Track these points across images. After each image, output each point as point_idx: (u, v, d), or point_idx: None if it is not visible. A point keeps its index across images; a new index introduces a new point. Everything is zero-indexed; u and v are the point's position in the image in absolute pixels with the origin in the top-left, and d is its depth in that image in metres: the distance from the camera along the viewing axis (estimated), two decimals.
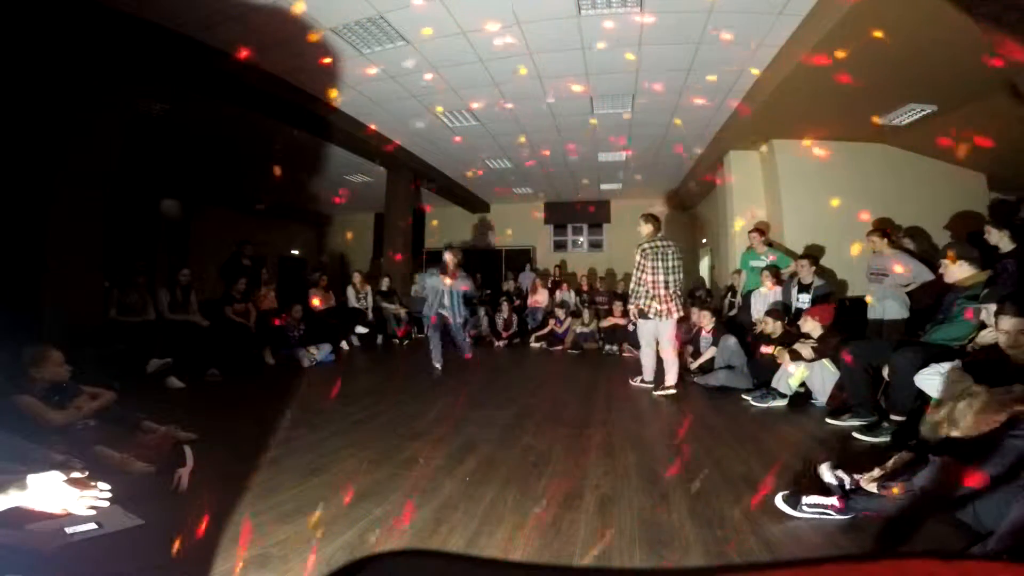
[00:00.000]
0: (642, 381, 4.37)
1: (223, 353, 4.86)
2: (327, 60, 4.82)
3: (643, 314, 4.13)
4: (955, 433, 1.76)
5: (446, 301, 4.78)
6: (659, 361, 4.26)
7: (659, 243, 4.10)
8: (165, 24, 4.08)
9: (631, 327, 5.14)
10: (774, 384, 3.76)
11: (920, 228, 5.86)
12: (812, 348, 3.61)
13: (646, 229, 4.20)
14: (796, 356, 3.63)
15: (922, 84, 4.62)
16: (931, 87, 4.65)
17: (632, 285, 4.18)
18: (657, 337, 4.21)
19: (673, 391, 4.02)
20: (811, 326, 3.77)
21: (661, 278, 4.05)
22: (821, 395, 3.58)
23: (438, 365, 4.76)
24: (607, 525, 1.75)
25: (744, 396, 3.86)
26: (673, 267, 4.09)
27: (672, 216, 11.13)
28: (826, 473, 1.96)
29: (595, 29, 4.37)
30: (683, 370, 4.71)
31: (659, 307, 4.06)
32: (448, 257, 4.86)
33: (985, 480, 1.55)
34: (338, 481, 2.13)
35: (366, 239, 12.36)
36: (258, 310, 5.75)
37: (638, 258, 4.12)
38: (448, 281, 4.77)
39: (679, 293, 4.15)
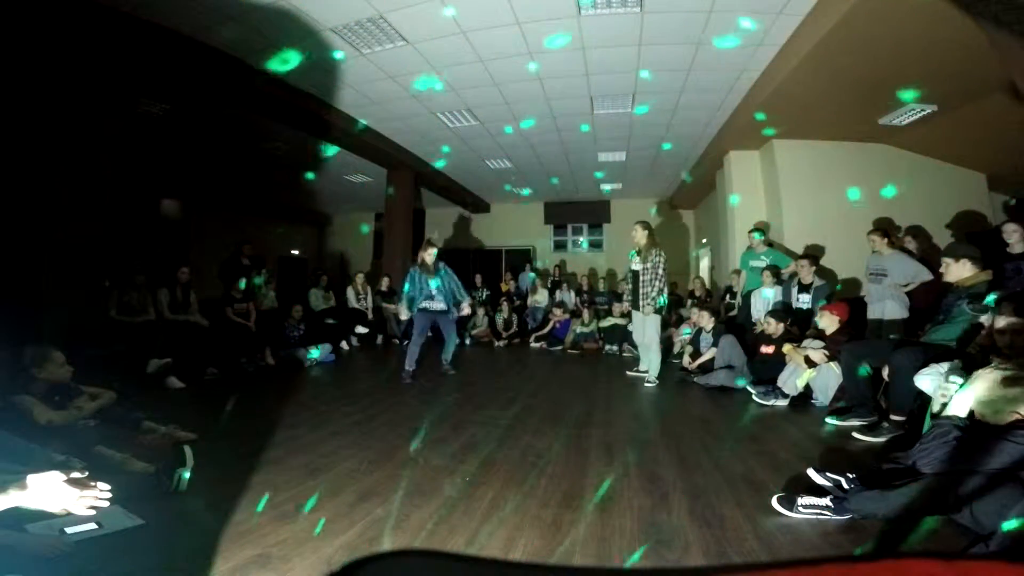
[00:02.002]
0: (655, 378, 4.44)
1: (223, 353, 4.86)
2: (326, 60, 4.82)
3: (661, 311, 4.45)
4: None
5: (433, 291, 4.56)
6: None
7: None
8: (165, 24, 4.08)
9: (631, 327, 5.18)
10: (779, 384, 3.75)
11: (920, 228, 5.86)
12: (824, 353, 3.59)
13: (646, 236, 4.44)
14: (811, 363, 3.61)
15: (922, 84, 4.61)
16: (931, 87, 4.65)
17: (659, 285, 4.37)
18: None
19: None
20: (827, 321, 3.74)
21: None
22: (824, 395, 3.58)
23: (410, 369, 4.48)
24: (607, 525, 1.75)
25: (749, 388, 3.86)
26: None
27: (672, 216, 11.14)
28: (815, 477, 1.97)
29: (595, 29, 4.38)
30: (682, 369, 4.82)
31: None
32: (426, 255, 4.63)
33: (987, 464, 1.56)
34: (338, 481, 2.13)
35: (366, 239, 12.38)
36: (258, 310, 5.75)
37: (663, 260, 4.39)
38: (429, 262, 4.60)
39: None
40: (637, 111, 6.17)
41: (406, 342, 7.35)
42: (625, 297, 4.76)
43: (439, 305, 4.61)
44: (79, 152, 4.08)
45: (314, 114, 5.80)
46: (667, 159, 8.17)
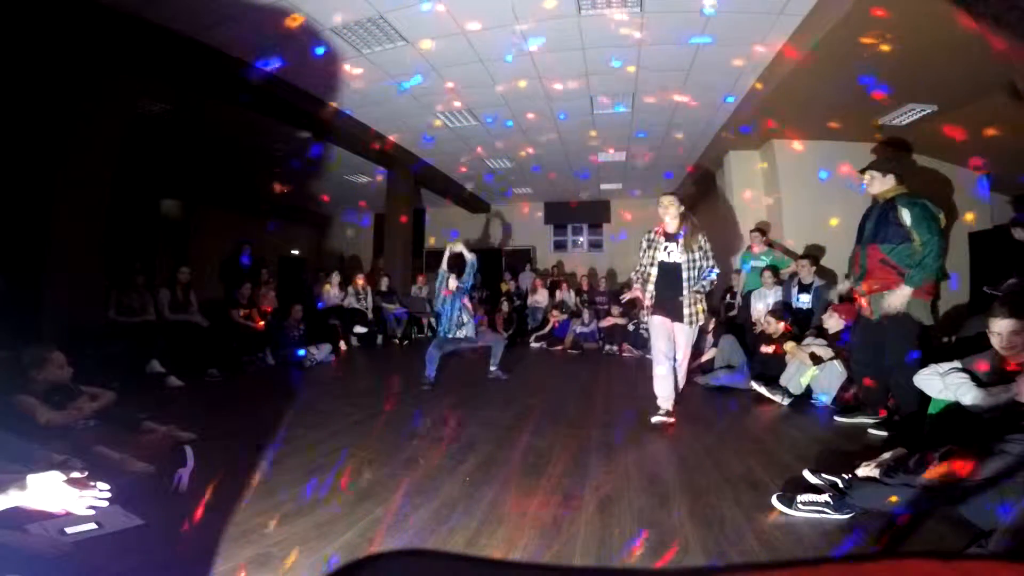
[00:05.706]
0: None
1: (224, 353, 4.85)
2: (327, 60, 4.82)
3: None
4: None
5: (460, 315, 4.23)
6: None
7: None
8: (165, 24, 4.08)
9: (631, 327, 5.07)
10: (783, 383, 3.74)
11: None
12: (830, 348, 3.59)
13: (680, 214, 3.14)
14: (817, 360, 3.60)
15: (922, 84, 4.61)
16: (931, 87, 4.65)
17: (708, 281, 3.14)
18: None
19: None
20: (834, 323, 3.72)
21: None
22: (826, 395, 3.57)
23: (429, 374, 4.18)
24: (607, 525, 1.75)
25: (752, 384, 3.84)
26: None
27: None
28: (811, 478, 1.98)
29: (595, 29, 4.37)
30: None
31: None
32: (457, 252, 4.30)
33: (978, 473, 1.56)
34: (338, 481, 2.13)
35: (366, 239, 12.36)
36: (261, 312, 5.73)
37: (708, 245, 3.14)
38: (452, 284, 4.30)
39: None
40: (637, 111, 6.17)
41: (406, 342, 7.41)
42: (648, 300, 3.15)
43: (465, 331, 4.25)
44: (79, 152, 4.08)
45: (314, 114, 5.80)
46: (667, 159, 8.17)
